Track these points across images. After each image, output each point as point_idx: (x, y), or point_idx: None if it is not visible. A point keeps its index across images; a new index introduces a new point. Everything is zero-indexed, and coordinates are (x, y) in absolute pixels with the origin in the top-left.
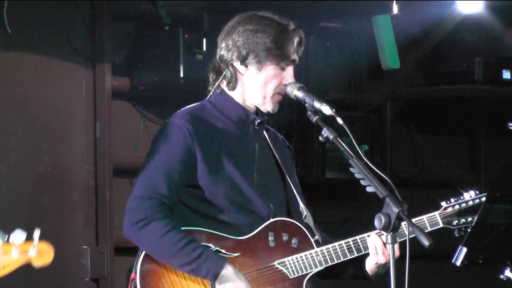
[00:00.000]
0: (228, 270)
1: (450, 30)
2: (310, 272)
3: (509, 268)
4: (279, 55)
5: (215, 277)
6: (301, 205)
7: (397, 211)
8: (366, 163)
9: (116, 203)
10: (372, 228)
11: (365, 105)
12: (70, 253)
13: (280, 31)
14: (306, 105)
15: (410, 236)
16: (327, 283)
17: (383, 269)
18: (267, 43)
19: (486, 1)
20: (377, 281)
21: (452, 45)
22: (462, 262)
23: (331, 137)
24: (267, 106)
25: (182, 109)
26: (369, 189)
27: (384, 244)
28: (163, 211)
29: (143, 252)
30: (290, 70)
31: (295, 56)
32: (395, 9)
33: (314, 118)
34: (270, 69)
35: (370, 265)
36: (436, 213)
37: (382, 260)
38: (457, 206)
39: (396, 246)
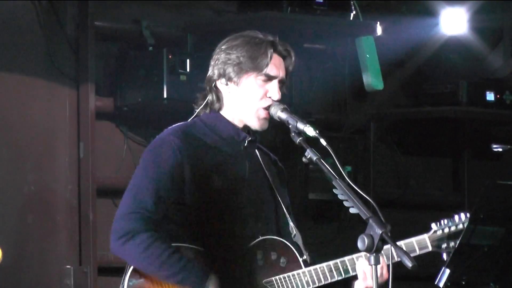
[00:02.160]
0: (214, 278)
1: (434, 52)
2: None
3: None
4: (251, 67)
5: (202, 285)
6: (291, 224)
7: (380, 232)
8: (350, 184)
9: (100, 223)
10: (355, 249)
11: (349, 126)
12: (53, 273)
13: (253, 44)
14: (290, 126)
15: (392, 258)
16: None
17: None
18: (239, 57)
19: (470, 23)
20: None
21: (436, 67)
22: (445, 284)
23: (314, 158)
24: (253, 123)
25: (174, 125)
26: (352, 210)
27: None
28: (147, 224)
29: (130, 269)
30: (273, 84)
31: (272, 69)
32: (379, 30)
33: (298, 140)
34: (248, 82)
35: None
36: (426, 236)
37: (371, 285)
38: (446, 230)
39: (385, 268)
